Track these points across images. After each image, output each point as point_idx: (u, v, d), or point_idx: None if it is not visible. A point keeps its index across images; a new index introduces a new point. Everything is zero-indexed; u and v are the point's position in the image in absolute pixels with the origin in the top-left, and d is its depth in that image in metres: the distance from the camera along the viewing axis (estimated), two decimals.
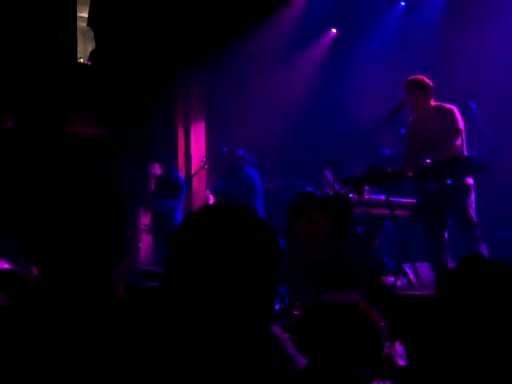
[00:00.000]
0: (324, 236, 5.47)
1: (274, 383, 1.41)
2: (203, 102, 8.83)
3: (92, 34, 7.53)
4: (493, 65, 6.87)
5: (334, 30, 9.21)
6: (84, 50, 7.48)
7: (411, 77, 5.45)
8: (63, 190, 1.41)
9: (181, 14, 7.92)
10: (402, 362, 2.53)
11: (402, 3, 8.60)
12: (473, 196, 5.18)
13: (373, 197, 5.66)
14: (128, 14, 7.51)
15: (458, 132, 5.19)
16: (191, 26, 8.05)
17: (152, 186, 7.92)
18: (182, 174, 8.09)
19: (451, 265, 5.00)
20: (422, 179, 5.13)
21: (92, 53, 7.51)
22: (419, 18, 8.25)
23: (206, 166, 8.43)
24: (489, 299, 1.48)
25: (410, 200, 5.47)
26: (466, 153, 5.21)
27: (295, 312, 4.25)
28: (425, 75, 5.46)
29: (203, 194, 8.46)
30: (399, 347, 2.69)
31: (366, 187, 5.53)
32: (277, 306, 4.57)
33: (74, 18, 7.08)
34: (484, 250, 5.01)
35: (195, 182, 8.47)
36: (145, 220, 8.17)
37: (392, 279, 5.20)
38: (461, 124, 5.23)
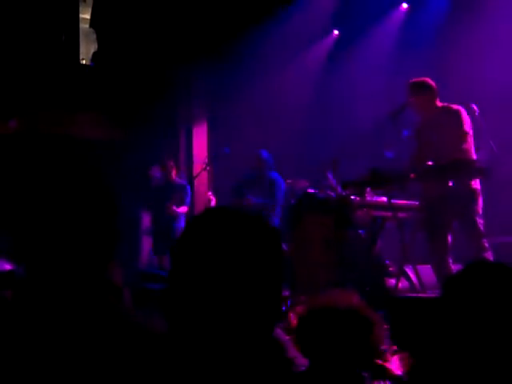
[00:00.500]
0: (326, 238, 5.46)
1: None
2: (205, 104, 8.85)
3: (94, 36, 7.55)
4: (495, 66, 6.85)
5: (335, 32, 9.22)
6: (86, 51, 7.50)
7: (414, 79, 5.35)
8: (58, 190, 1.42)
9: (183, 15, 7.93)
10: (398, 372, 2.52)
11: (404, 5, 8.60)
12: (480, 202, 4.99)
13: (375, 199, 5.65)
14: (130, 15, 7.53)
15: (464, 134, 5.05)
16: (194, 28, 8.06)
17: (153, 189, 7.93)
18: (183, 180, 8.03)
19: (453, 268, 4.95)
20: (424, 181, 5.09)
21: (94, 54, 7.53)
22: (421, 19, 8.24)
23: (208, 168, 8.43)
24: (495, 304, 1.48)
25: (412, 202, 5.46)
26: (474, 155, 5.06)
27: (296, 314, 4.25)
28: (427, 77, 5.41)
29: (205, 196, 8.47)
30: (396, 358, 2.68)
31: (368, 189, 5.52)
32: None
33: (77, 19, 7.10)
34: (490, 258, 4.82)
35: (197, 183, 8.47)
36: (146, 222, 8.17)
37: (394, 281, 5.19)
38: (467, 126, 5.08)
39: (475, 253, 4.84)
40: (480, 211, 4.97)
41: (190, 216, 7.94)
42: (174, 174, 7.82)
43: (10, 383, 1.23)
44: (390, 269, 5.59)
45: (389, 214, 5.38)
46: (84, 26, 7.32)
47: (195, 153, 8.98)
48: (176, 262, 1.31)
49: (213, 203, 8.46)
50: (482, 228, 4.93)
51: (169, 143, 8.57)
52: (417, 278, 5.31)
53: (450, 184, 4.95)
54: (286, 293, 5.34)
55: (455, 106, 5.18)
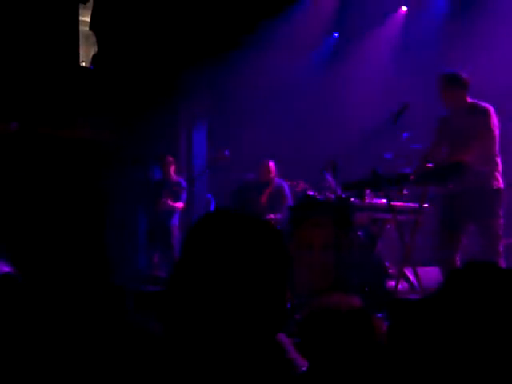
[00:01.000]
0: (326, 240, 5.47)
1: None
2: (205, 105, 8.85)
3: (94, 38, 7.55)
4: (497, 67, 6.85)
5: (335, 35, 9.24)
6: (86, 54, 7.50)
7: (447, 70, 5.18)
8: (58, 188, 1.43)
9: (183, 17, 7.94)
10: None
11: (404, 8, 8.62)
12: (501, 203, 4.89)
13: (374, 201, 5.66)
14: (130, 17, 7.54)
15: (488, 135, 4.94)
16: (194, 30, 8.07)
17: (152, 189, 7.94)
18: (181, 178, 8.06)
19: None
20: (422, 184, 5.05)
21: (94, 57, 7.53)
22: (421, 22, 8.26)
23: (208, 170, 8.44)
24: (494, 305, 1.48)
25: (412, 204, 5.47)
26: (497, 158, 4.94)
27: (296, 316, 4.25)
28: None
29: (205, 197, 8.47)
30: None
31: (368, 191, 5.53)
32: None
33: (77, 22, 7.10)
34: (501, 263, 4.72)
35: (197, 185, 8.47)
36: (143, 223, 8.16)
37: (393, 283, 5.20)
38: (494, 126, 4.94)
39: (486, 255, 4.74)
40: (500, 212, 4.87)
41: (185, 214, 7.98)
42: (172, 170, 7.84)
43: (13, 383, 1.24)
44: (390, 271, 5.59)
45: (389, 215, 5.39)
46: (84, 29, 7.33)
47: (195, 155, 8.99)
48: (182, 263, 1.31)
49: (212, 205, 8.48)
50: (498, 230, 4.83)
51: (169, 145, 8.58)
52: (416, 280, 5.31)
53: (468, 184, 4.84)
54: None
55: (484, 105, 5.05)
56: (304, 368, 2.01)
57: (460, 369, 1.43)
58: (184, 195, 7.80)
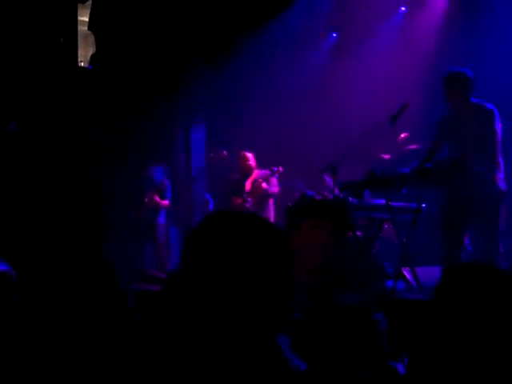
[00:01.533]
0: (324, 240, 5.47)
1: None
2: (204, 105, 8.85)
3: (93, 38, 7.55)
4: (496, 66, 6.85)
5: (334, 35, 9.24)
6: (85, 53, 7.50)
7: (451, 68, 5.12)
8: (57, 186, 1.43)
9: (182, 17, 7.94)
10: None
11: (403, 8, 8.63)
12: (504, 205, 4.90)
13: (372, 201, 5.66)
14: (129, 17, 7.53)
15: (491, 136, 4.92)
16: (192, 29, 8.07)
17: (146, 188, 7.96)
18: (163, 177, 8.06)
19: None
20: (420, 185, 5.04)
21: (93, 57, 7.53)
22: (420, 21, 8.27)
23: (206, 170, 8.44)
24: (488, 304, 1.49)
25: (410, 204, 5.47)
26: (500, 160, 4.92)
27: (295, 316, 4.25)
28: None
29: (203, 197, 8.47)
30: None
31: (366, 191, 5.53)
32: None
33: (75, 21, 7.09)
34: (503, 264, 4.74)
35: (195, 185, 8.47)
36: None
37: (391, 283, 5.20)
38: (497, 127, 4.92)
39: (487, 256, 4.76)
40: (502, 214, 4.89)
41: (183, 214, 8.00)
42: (158, 169, 7.90)
43: (13, 383, 1.24)
44: (388, 270, 5.60)
45: (387, 215, 5.39)
46: (82, 29, 7.32)
47: (193, 154, 8.98)
48: (186, 263, 1.31)
49: (210, 205, 8.48)
50: (499, 231, 4.84)
51: (167, 145, 8.57)
52: (414, 279, 5.32)
53: (475, 184, 4.83)
54: None
55: (489, 106, 5.01)
56: (302, 368, 2.01)
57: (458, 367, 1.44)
58: (169, 193, 7.84)
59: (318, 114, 8.51)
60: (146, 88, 7.75)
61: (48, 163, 5.82)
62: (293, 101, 8.58)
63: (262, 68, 8.41)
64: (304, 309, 2.08)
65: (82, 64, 7.43)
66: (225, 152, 8.59)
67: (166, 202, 7.79)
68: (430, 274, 5.24)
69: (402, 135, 6.56)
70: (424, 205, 5.36)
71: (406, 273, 5.41)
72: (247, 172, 7.60)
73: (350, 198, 5.57)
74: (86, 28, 7.47)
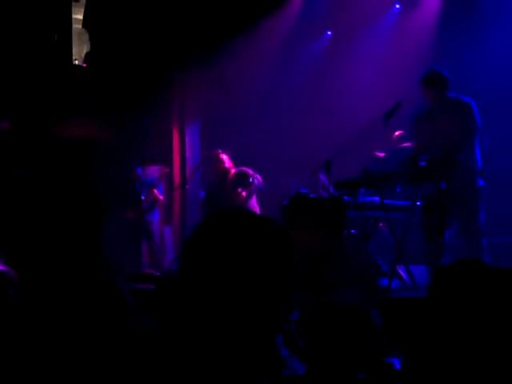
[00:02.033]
0: (319, 239, 5.47)
1: None
2: (199, 104, 8.84)
3: (87, 36, 7.53)
4: (489, 66, 6.87)
5: (328, 33, 9.24)
6: (79, 51, 7.48)
7: (428, 70, 5.24)
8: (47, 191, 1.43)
9: (176, 15, 7.93)
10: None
11: (397, 6, 8.63)
12: (483, 200, 4.97)
13: (367, 199, 5.66)
14: (123, 15, 7.52)
15: (471, 130, 4.97)
16: (186, 28, 8.06)
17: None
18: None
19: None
20: (414, 182, 5.05)
21: (87, 55, 7.51)
22: (414, 20, 8.28)
23: (201, 169, 8.42)
24: (482, 300, 1.49)
25: (405, 202, 5.47)
26: (478, 153, 4.97)
27: (292, 315, 4.25)
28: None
29: (198, 196, 8.45)
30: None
31: (361, 189, 5.54)
32: None
33: (69, 19, 7.08)
34: (487, 259, 4.77)
35: (190, 184, 8.46)
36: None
37: (386, 281, 5.21)
38: (477, 120, 4.97)
39: (472, 252, 4.81)
40: (482, 209, 4.94)
41: (178, 213, 8.01)
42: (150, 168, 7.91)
43: (12, 382, 1.24)
44: (383, 269, 5.61)
45: (381, 214, 5.40)
46: (77, 27, 7.31)
47: (188, 154, 8.97)
48: (186, 263, 1.30)
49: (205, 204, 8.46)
50: (482, 226, 4.90)
51: (162, 144, 8.56)
52: (409, 277, 5.33)
53: (443, 185, 4.89)
54: None
55: (466, 99, 5.07)
56: (300, 368, 2.02)
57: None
58: (163, 192, 7.90)
59: (313, 113, 8.50)
60: (140, 86, 7.74)
61: (43, 161, 5.80)
62: (287, 100, 8.57)
63: (258, 67, 8.41)
64: (301, 307, 2.08)
65: (77, 62, 7.41)
66: (220, 151, 8.57)
67: (161, 197, 7.85)
68: (425, 272, 5.26)
69: (397, 133, 6.56)
70: (419, 203, 5.36)
71: (401, 271, 5.42)
72: (224, 173, 7.44)
73: (345, 197, 5.58)
74: (80, 26, 7.46)
